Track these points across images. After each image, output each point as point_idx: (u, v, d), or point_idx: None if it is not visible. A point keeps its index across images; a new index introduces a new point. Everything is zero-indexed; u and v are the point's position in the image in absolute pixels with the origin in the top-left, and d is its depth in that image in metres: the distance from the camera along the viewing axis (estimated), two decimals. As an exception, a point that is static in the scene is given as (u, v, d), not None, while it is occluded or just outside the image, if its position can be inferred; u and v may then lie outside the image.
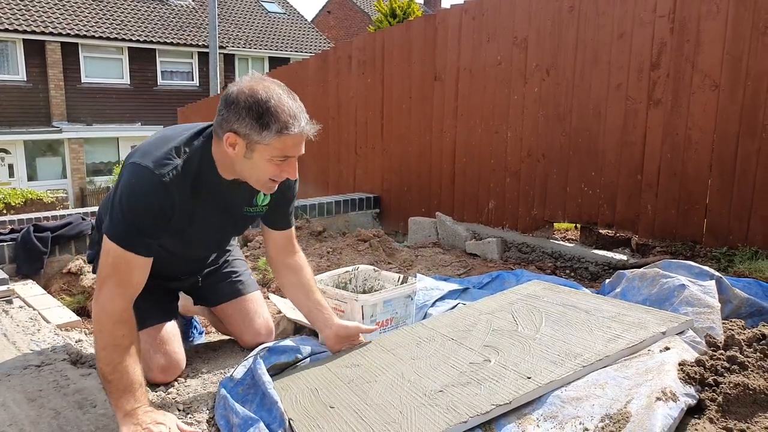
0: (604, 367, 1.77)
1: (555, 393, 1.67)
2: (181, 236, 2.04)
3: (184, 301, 2.57)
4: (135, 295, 1.86)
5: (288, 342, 2.27)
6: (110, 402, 1.76)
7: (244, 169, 1.89)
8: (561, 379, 1.70)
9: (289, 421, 1.72)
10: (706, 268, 2.29)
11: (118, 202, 1.84)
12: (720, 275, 2.26)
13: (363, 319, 2.35)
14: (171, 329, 2.20)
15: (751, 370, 1.70)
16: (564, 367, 1.76)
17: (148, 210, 1.83)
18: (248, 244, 4.54)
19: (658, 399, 1.55)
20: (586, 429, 1.51)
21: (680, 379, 1.67)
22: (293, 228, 2.33)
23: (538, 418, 1.60)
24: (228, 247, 2.55)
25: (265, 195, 2.14)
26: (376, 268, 2.82)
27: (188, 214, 1.96)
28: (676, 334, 1.93)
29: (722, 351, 1.83)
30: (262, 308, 2.49)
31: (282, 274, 2.30)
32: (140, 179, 1.82)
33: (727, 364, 1.74)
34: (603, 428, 1.50)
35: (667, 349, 1.82)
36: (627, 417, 1.51)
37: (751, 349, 1.81)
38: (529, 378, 1.72)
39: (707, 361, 1.76)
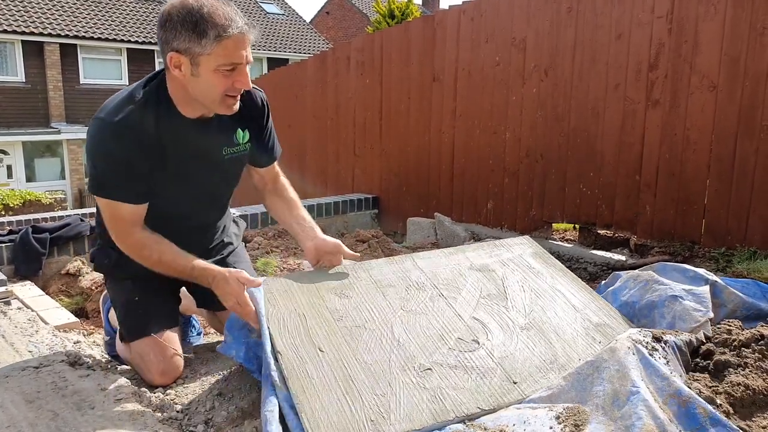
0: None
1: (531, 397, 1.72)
2: (165, 188, 2.04)
3: (186, 301, 2.56)
4: (140, 223, 2.02)
5: None
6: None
7: (196, 90, 1.87)
8: (543, 389, 1.73)
9: (276, 355, 1.73)
10: (701, 271, 2.27)
11: (89, 159, 1.93)
12: (715, 278, 2.24)
13: None
14: (171, 333, 2.20)
15: (750, 371, 1.71)
16: (548, 378, 1.78)
17: (115, 158, 1.89)
18: (247, 244, 4.54)
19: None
20: (557, 416, 1.55)
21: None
22: (276, 162, 2.37)
23: (516, 406, 1.67)
24: (233, 241, 2.54)
25: (243, 131, 2.13)
26: None
27: (162, 162, 1.97)
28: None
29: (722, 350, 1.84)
30: None
31: (267, 197, 2.39)
32: (98, 131, 1.88)
33: (724, 365, 1.75)
34: (569, 410, 1.55)
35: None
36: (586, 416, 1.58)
37: (750, 350, 1.81)
38: (516, 383, 1.74)
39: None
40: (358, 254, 2.31)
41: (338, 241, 2.23)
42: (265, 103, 2.21)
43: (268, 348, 1.75)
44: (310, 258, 2.22)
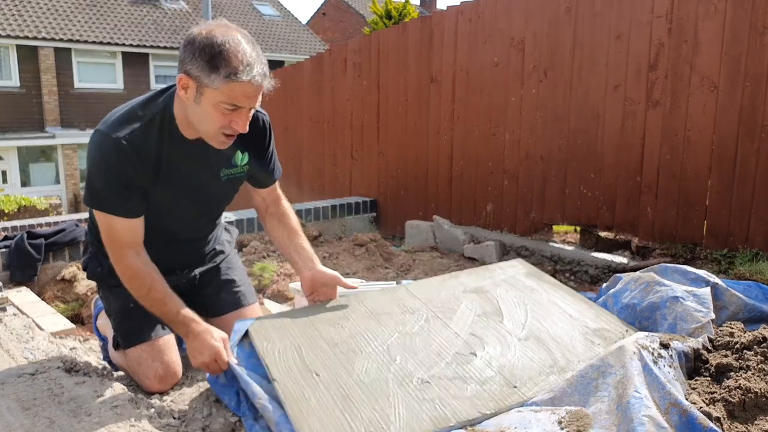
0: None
1: (533, 400, 1.71)
2: (161, 205, 2.03)
3: None
4: (136, 250, 1.97)
5: None
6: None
7: (194, 115, 1.87)
8: (546, 391, 1.71)
9: (273, 382, 1.73)
10: (702, 273, 2.27)
11: (88, 172, 1.93)
12: (716, 280, 2.23)
13: None
14: (168, 339, 2.18)
15: (753, 373, 1.69)
16: (548, 381, 1.77)
17: (113, 173, 1.88)
18: (243, 249, 4.51)
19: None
20: (560, 421, 1.53)
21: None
22: (277, 183, 2.34)
23: (518, 410, 1.65)
24: (224, 249, 2.52)
25: (242, 153, 2.12)
26: (364, 280, 2.82)
27: (159, 179, 1.97)
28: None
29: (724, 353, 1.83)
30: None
31: (267, 221, 2.36)
32: (99, 145, 1.88)
33: (726, 368, 1.74)
34: (572, 415, 1.53)
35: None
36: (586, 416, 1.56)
37: (752, 352, 1.80)
38: (515, 387, 1.74)
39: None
40: (356, 285, 2.30)
41: (336, 273, 2.22)
42: (267, 126, 2.20)
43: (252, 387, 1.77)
44: (306, 288, 2.21)
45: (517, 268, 2.54)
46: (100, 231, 1.99)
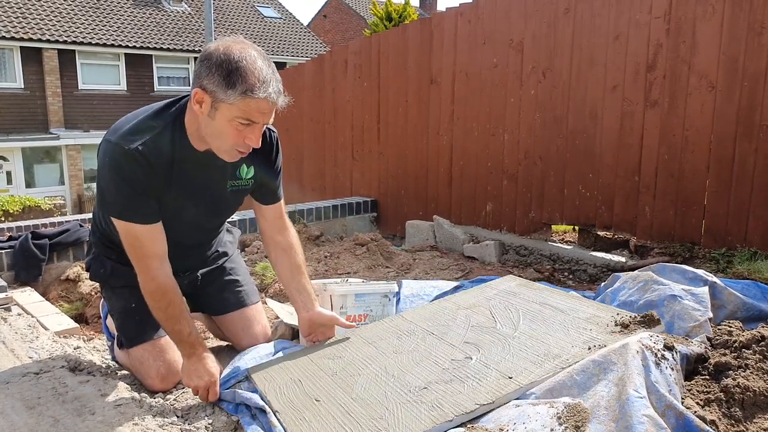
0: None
1: (532, 390, 1.73)
2: (167, 212, 2.05)
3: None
4: (161, 262, 1.99)
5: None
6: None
7: (207, 130, 1.89)
8: (541, 380, 1.74)
9: (275, 413, 1.77)
10: (701, 272, 2.27)
11: (102, 182, 1.94)
12: (714, 279, 2.23)
13: (333, 309, 2.40)
14: (169, 338, 2.19)
15: (751, 372, 1.70)
16: (543, 368, 1.79)
17: (128, 181, 1.89)
18: (246, 249, 4.53)
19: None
20: (558, 415, 1.54)
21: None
22: (282, 201, 2.34)
23: (516, 404, 1.67)
24: (227, 250, 2.54)
25: (248, 167, 2.15)
26: (365, 280, 2.84)
27: (168, 188, 1.99)
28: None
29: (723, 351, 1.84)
30: (261, 316, 2.52)
31: (272, 251, 2.34)
32: (112, 156, 1.89)
33: (725, 366, 1.75)
34: (570, 409, 1.54)
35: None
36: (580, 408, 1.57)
37: (750, 351, 1.81)
38: (511, 378, 1.76)
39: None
40: (354, 324, 2.33)
41: (334, 314, 2.26)
42: (275, 142, 2.21)
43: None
44: (304, 329, 2.24)
45: (509, 281, 2.62)
46: (123, 242, 1.99)
